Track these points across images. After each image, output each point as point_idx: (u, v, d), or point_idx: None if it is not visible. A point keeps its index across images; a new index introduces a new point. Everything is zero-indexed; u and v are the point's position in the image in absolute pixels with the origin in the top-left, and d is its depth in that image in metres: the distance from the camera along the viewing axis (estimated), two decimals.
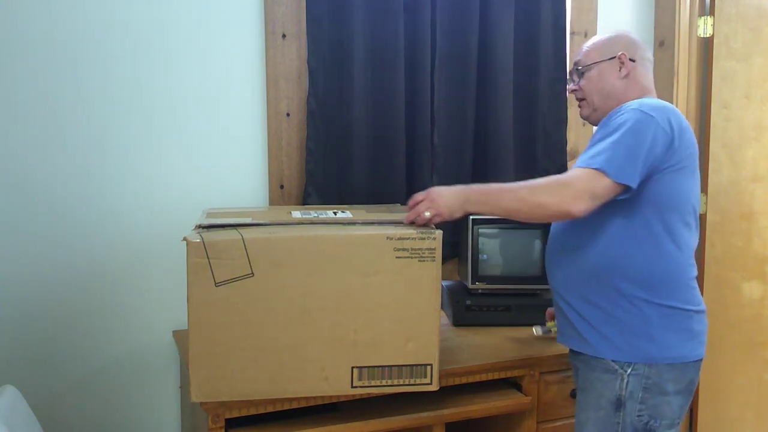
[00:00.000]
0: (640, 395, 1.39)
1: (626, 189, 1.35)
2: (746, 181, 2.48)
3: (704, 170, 2.47)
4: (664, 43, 2.46)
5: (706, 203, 2.47)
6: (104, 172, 1.83)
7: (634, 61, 1.53)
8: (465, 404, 1.63)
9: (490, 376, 1.68)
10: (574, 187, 1.33)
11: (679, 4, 2.40)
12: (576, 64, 1.60)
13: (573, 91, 1.61)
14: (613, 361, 1.42)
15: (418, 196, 1.47)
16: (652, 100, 1.45)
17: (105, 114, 1.82)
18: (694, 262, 1.48)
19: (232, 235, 1.33)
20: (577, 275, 1.46)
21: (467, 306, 1.94)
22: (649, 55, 1.58)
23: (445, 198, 1.43)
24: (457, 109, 2.18)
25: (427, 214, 1.42)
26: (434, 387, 1.45)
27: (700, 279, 2.47)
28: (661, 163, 1.37)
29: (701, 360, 1.47)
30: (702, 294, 2.45)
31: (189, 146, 1.90)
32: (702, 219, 2.49)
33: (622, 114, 1.40)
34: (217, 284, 1.33)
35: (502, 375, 1.69)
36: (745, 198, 2.48)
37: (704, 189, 2.47)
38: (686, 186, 1.42)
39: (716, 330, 2.51)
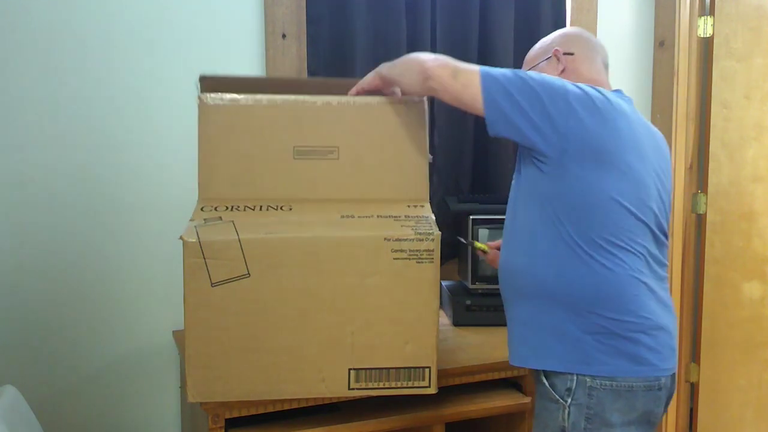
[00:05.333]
0: (583, 425, 1.31)
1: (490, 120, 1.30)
2: (746, 181, 2.48)
3: (704, 170, 2.47)
4: (664, 43, 2.46)
5: (706, 203, 2.47)
6: (104, 171, 1.83)
7: (572, 54, 1.47)
8: (465, 404, 1.63)
9: (490, 376, 1.67)
10: (446, 60, 1.34)
11: (679, 4, 2.40)
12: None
13: None
14: (544, 375, 1.34)
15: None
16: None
17: (105, 112, 1.82)
18: (651, 271, 1.32)
19: (228, 235, 1.33)
20: (513, 296, 1.41)
21: (467, 306, 1.94)
22: (593, 48, 1.49)
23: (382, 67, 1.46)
24: (457, 110, 2.17)
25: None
26: (432, 390, 1.44)
27: (699, 279, 2.50)
28: (564, 130, 1.25)
29: (657, 385, 1.30)
30: (702, 294, 2.49)
31: (190, 145, 1.90)
32: (702, 219, 2.49)
33: None
34: (213, 284, 1.32)
35: (502, 375, 1.69)
36: (745, 198, 2.48)
37: (704, 189, 2.47)
38: (607, 184, 1.27)
39: (716, 330, 2.52)
